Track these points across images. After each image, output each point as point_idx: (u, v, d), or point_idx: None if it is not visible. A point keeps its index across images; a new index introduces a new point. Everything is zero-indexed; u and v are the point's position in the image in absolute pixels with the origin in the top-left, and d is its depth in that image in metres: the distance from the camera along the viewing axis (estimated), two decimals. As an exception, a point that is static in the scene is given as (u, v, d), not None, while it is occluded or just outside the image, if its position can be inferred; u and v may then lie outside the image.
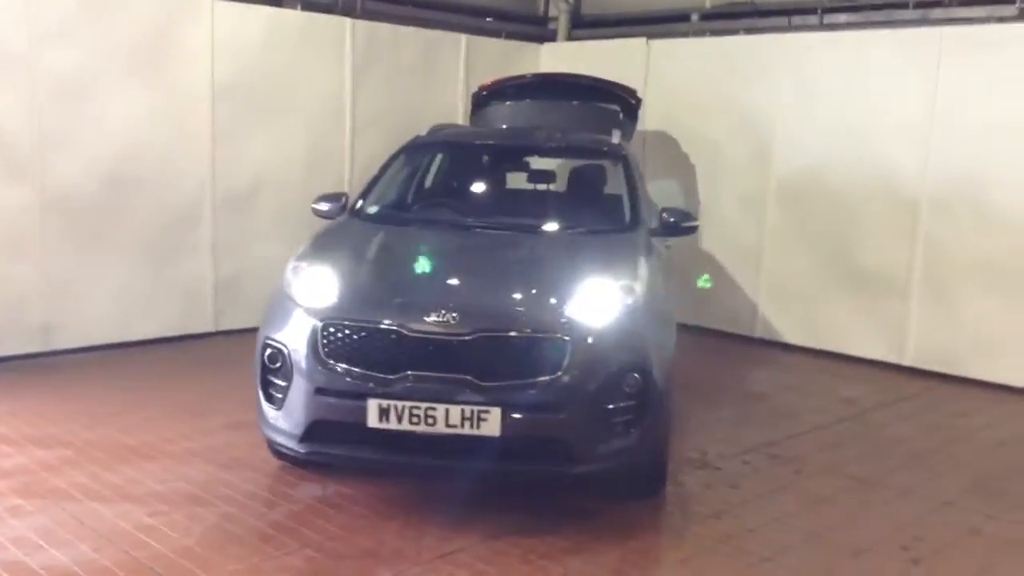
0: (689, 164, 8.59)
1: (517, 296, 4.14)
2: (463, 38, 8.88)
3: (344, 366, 3.98)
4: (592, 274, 4.25)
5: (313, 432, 4.03)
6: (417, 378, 3.91)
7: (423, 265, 4.34)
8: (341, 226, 4.93)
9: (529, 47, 9.62)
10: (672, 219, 5.13)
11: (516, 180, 6.09)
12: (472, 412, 3.86)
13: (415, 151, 5.68)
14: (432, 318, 3.95)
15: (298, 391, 4.04)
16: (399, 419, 3.89)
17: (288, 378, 4.08)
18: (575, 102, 7.57)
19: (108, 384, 6.05)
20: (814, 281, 7.83)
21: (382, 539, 3.97)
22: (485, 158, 5.97)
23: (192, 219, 7.29)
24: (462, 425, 3.87)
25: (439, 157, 5.80)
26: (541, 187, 5.90)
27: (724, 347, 8.07)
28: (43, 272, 6.58)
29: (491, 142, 5.98)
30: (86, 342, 6.79)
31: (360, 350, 3.99)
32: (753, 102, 8.09)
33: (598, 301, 4.12)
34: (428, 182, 5.71)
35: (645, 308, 4.23)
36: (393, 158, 5.58)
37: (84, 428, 5.19)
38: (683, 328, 8.23)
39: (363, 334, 4.00)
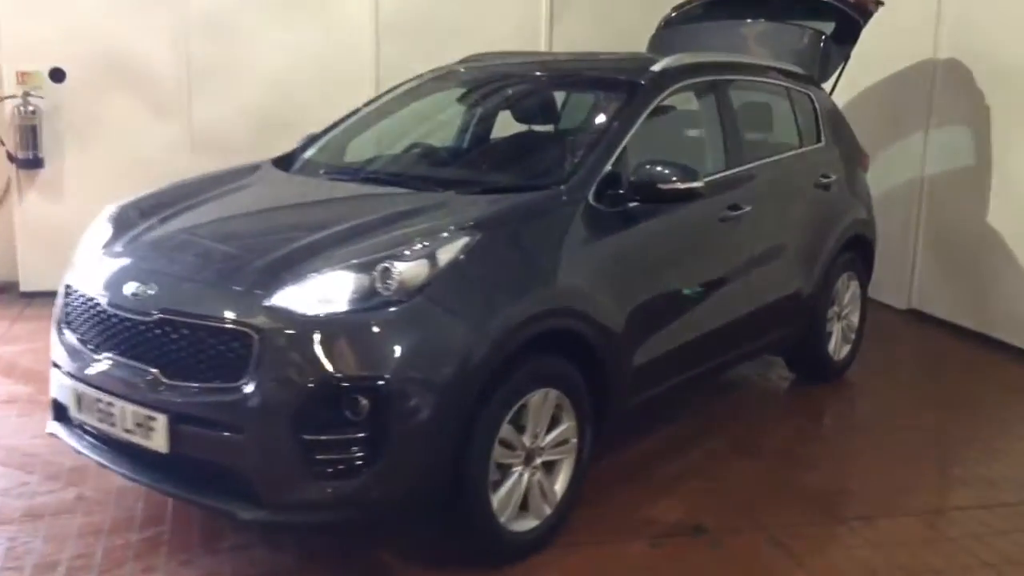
0: (983, 106, 6.13)
1: (232, 271, 3.06)
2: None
3: (71, 339, 3.32)
4: (344, 250, 3.03)
5: (57, 411, 3.45)
6: (112, 364, 3.11)
7: (196, 226, 3.45)
8: (224, 173, 4.13)
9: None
10: (644, 177, 3.55)
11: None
12: (143, 417, 2.97)
13: (424, 85, 4.64)
14: (130, 290, 3.10)
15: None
16: (89, 410, 3.14)
17: (56, 346, 3.54)
18: (769, 21, 5.73)
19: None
20: None
21: (91, 548, 3.28)
22: (484, 95, 4.69)
23: (351, 163, 6.94)
24: (135, 431, 3.00)
25: (442, 92, 4.63)
26: (513, 128, 4.48)
27: (992, 367, 5.70)
28: (194, 210, 6.72)
29: (500, 76, 4.66)
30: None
31: (84, 322, 3.29)
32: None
33: (326, 288, 2.91)
34: (406, 123, 4.59)
35: (422, 307, 2.90)
36: (383, 95, 4.64)
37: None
38: (952, 330, 6.12)
39: (84, 303, 3.29)
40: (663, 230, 3.79)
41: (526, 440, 3.22)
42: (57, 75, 6.31)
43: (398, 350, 2.84)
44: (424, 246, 2.99)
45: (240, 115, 6.68)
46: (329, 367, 2.80)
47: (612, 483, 3.84)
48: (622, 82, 4.06)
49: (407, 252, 2.97)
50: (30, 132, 6.29)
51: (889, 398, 5.15)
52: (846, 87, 6.74)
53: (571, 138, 3.98)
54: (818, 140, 5.08)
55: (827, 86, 5.58)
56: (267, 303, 2.88)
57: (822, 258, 4.89)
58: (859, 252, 5.30)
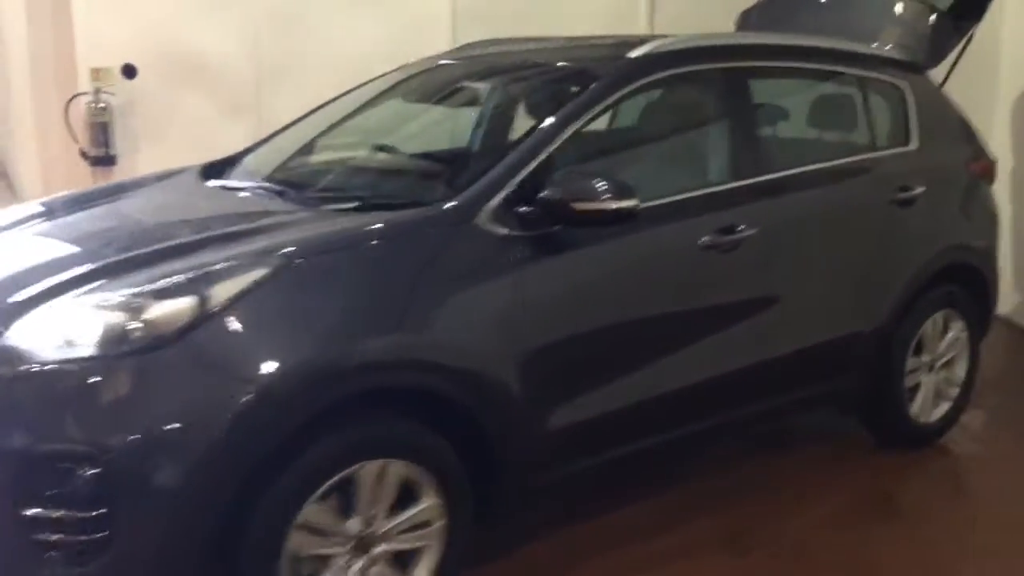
0: None
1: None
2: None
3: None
4: (117, 280, 2.48)
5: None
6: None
7: (27, 243, 3.01)
8: (142, 178, 3.71)
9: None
10: (555, 194, 2.78)
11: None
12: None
13: (404, 80, 4.02)
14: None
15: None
16: None
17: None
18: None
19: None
20: None
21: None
22: (443, 93, 3.94)
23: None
24: None
25: (404, 88, 3.95)
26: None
27: None
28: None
29: (474, 69, 3.93)
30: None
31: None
32: None
33: (67, 327, 2.38)
34: (352, 125, 3.89)
35: (178, 356, 2.32)
36: (345, 94, 4.08)
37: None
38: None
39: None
40: (604, 259, 2.98)
41: (353, 524, 2.57)
42: (129, 71, 6.23)
43: (135, 410, 2.28)
44: (194, 279, 2.41)
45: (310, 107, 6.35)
46: (49, 429, 2.29)
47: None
48: (582, 73, 3.27)
49: (170, 287, 2.39)
50: (101, 129, 6.25)
51: (990, 478, 4.00)
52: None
53: (494, 146, 3.25)
54: (905, 142, 3.99)
55: (940, 73, 4.43)
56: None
57: (895, 293, 3.83)
58: (966, 285, 4.14)
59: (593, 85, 3.13)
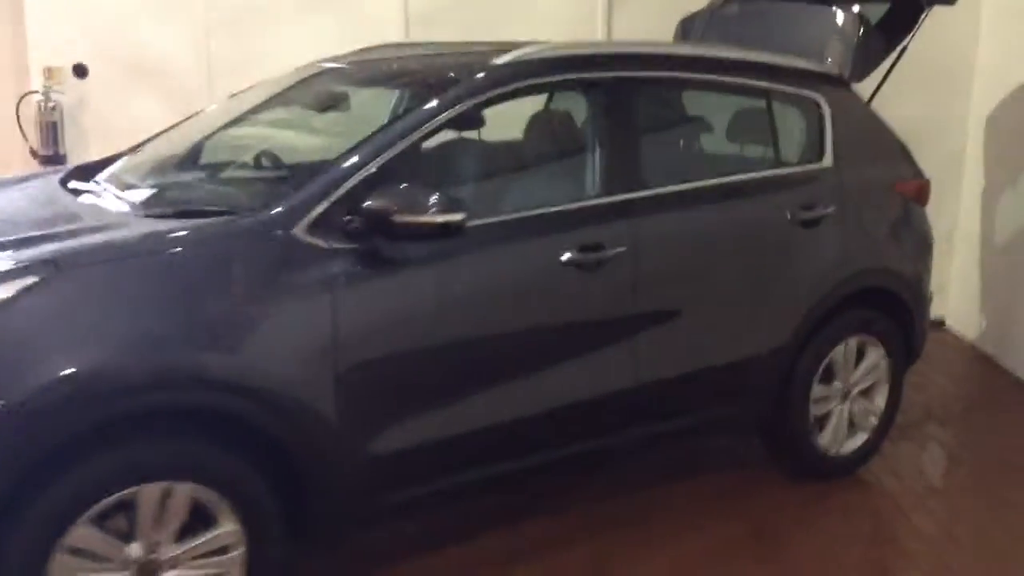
0: None
1: None
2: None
3: None
4: None
5: None
6: None
7: None
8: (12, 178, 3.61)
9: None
10: (374, 205, 2.63)
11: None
12: None
13: (290, 85, 3.87)
14: None
15: None
16: None
17: None
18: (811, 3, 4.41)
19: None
20: None
21: None
22: (330, 97, 3.78)
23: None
24: None
25: (297, 93, 3.80)
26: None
27: None
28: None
29: (355, 74, 3.78)
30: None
31: None
32: None
33: None
34: (231, 131, 3.75)
35: None
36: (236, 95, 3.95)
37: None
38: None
39: None
40: (440, 275, 2.82)
41: (135, 549, 2.43)
42: (80, 71, 6.19)
43: None
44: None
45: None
46: None
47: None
48: (446, 80, 3.10)
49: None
50: (51, 128, 6.21)
51: (900, 517, 3.74)
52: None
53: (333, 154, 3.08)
54: (818, 159, 3.76)
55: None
56: None
57: (797, 316, 3.61)
58: (888, 311, 3.90)
59: (446, 92, 2.96)
